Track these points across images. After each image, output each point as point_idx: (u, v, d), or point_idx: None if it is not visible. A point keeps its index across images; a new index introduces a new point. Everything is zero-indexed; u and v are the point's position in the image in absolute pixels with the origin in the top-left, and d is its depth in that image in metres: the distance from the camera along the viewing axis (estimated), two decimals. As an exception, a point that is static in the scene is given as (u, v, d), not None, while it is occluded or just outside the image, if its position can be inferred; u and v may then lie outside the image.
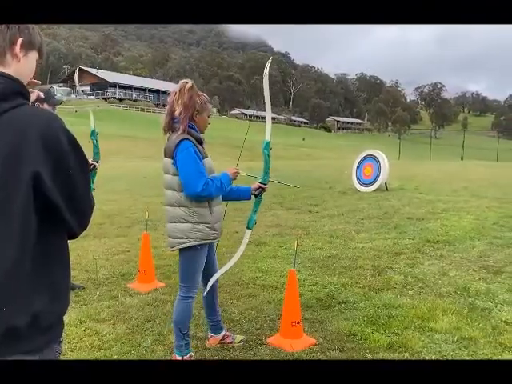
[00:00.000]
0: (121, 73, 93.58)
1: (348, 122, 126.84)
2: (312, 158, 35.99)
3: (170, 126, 2.72)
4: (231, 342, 3.13)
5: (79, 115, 43.17)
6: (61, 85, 79.57)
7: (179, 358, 2.83)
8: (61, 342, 1.26)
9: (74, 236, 1.24)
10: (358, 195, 10.49)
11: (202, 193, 2.59)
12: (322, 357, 2.93)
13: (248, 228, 3.01)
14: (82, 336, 3.24)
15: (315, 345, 3.11)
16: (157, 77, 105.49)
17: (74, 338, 3.19)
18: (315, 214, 8.20)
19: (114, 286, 4.35)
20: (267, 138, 2.85)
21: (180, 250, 2.76)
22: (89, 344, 3.11)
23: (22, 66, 1.19)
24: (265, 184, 2.95)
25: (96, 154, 4.19)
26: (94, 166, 4.08)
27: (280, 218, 7.68)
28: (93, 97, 73.31)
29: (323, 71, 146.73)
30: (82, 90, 77.37)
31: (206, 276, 2.97)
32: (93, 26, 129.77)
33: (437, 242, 5.89)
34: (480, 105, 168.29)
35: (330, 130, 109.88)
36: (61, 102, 4.10)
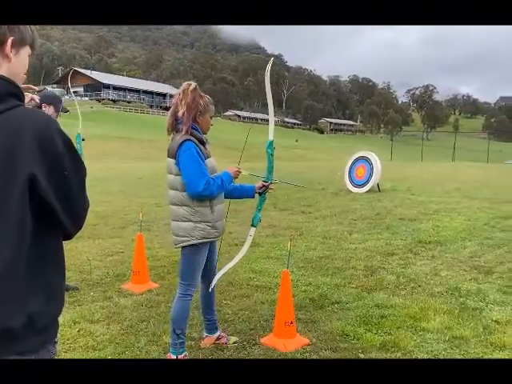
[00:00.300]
0: (115, 74, 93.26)
1: (341, 124, 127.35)
2: (305, 160, 36.06)
3: (174, 127, 2.77)
4: (226, 343, 3.15)
5: (72, 116, 42.74)
6: (54, 86, 79.07)
7: (174, 357, 2.84)
8: (55, 342, 1.26)
9: (68, 237, 1.24)
10: (351, 196, 10.54)
11: (203, 192, 2.64)
12: (315, 356, 2.95)
13: (253, 225, 3.06)
14: (76, 337, 3.23)
15: (308, 345, 3.13)
16: (151, 78, 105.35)
17: (68, 339, 3.18)
18: (308, 215, 8.23)
19: (108, 287, 4.34)
20: (270, 137, 2.89)
21: (182, 247, 2.81)
22: (83, 345, 3.11)
23: (15, 65, 1.18)
24: (268, 183, 2.99)
25: None
26: None
27: (273, 219, 7.71)
28: (86, 98, 72.98)
29: (316, 73, 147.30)
30: (76, 91, 77.03)
31: (205, 274, 3.00)
32: (87, 28, 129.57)
33: (428, 243, 5.95)
34: (471, 107, 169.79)
35: (322, 132, 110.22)
36: (67, 111, 4.09)
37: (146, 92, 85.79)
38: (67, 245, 4.59)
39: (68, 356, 2.94)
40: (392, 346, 3.07)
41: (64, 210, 1.14)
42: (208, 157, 2.80)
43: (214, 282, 3.04)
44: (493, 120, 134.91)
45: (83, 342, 3.16)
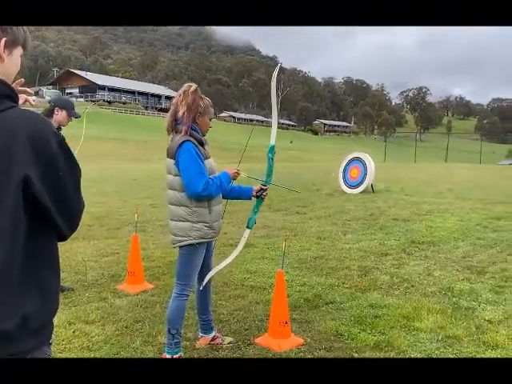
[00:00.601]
0: (110, 75, 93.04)
1: (335, 125, 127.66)
2: (300, 161, 36.11)
3: (173, 127, 2.79)
4: (221, 343, 3.16)
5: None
6: (50, 87, 78.68)
7: (169, 357, 2.85)
8: (50, 343, 1.26)
9: (63, 238, 1.24)
10: (345, 197, 10.58)
11: (202, 192, 2.66)
12: (309, 356, 2.97)
13: (248, 227, 3.08)
14: (72, 337, 3.23)
15: (303, 344, 3.14)
16: (146, 80, 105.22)
17: (63, 340, 3.18)
18: (303, 216, 8.26)
19: (103, 288, 4.33)
20: (272, 142, 2.91)
21: (179, 247, 2.83)
22: (78, 345, 3.11)
23: (8, 66, 1.17)
24: (266, 186, 3.02)
25: None
26: None
27: (268, 220, 7.72)
28: (82, 99, 72.77)
29: (310, 75, 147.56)
30: (71, 93, 76.86)
31: (201, 275, 3.02)
32: (82, 29, 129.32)
33: (422, 243, 5.99)
34: (464, 108, 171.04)
35: (317, 133, 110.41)
36: (78, 116, 4.11)
37: (141, 93, 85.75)
38: (62, 246, 4.59)
39: (63, 357, 2.93)
40: (386, 346, 3.08)
41: (59, 211, 1.14)
42: (207, 157, 2.82)
43: (205, 281, 3.05)
44: (485, 121, 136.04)
45: (78, 342, 3.16)
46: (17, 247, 1.07)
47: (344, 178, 11.67)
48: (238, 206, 8.36)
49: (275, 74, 2.86)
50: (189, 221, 2.76)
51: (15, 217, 1.05)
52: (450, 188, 12.16)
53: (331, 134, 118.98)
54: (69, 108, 4.05)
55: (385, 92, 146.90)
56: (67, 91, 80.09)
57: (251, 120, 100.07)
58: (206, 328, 3.18)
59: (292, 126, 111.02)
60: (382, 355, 2.95)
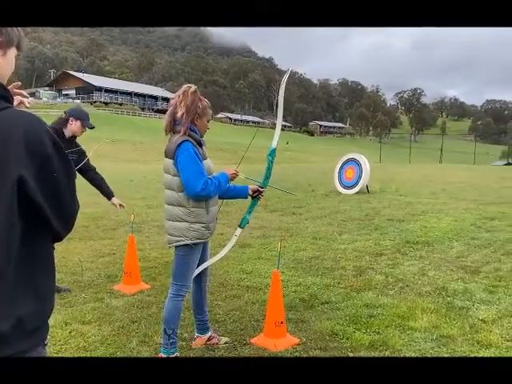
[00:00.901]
0: (107, 77, 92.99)
1: (330, 126, 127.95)
2: (296, 162, 36.18)
3: (172, 127, 2.79)
4: (217, 343, 3.17)
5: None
6: (46, 88, 78.45)
7: (165, 357, 2.86)
8: (45, 344, 1.25)
9: (59, 239, 1.23)
10: (340, 197, 10.61)
11: (201, 192, 2.66)
12: (305, 356, 2.97)
13: (240, 226, 3.10)
14: (68, 338, 3.23)
15: (298, 344, 3.14)
16: (142, 81, 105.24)
17: (59, 340, 3.17)
18: (299, 216, 8.28)
19: (99, 288, 4.33)
20: (273, 145, 2.93)
21: (175, 247, 2.83)
22: (74, 346, 3.11)
23: (2, 66, 1.17)
24: (263, 188, 3.03)
25: None
26: None
27: (264, 220, 7.74)
28: (78, 100, 72.67)
29: (306, 76, 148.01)
30: (68, 94, 76.78)
31: (198, 275, 3.04)
32: (79, 31, 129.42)
33: (416, 243, 6.02)
34: (458, 110, 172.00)
35: (312, 134, 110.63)
36: (93, 127, 4.14)
37: (137, 95, 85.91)
38: (58, 246, 4.59)
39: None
40: (380, 345, 3.09)
41: (53, 211, 1.13)
42: (205, 158, 2.83)
43: (196, 272, 3.04)
44: (479, 123, 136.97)
45: (75, 343, 3.16)
46: (12, 248, 1.06)
47: (339, 178, 11.72)
48: (233, 206, 8.37)
49: (284, 79, 2.88)
50: (186, 221, 2.76)
51: (10, 217, 1.05)
52: (445, 188, 12.23)
53: (327, 135, 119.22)
54: (83, 119, 4.08)
55: (380, 93, 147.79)
56: (64, 92, 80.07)
57: (247, 121, 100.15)
58: (202, 328, 3.18)
59: (288, 127, 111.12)
60: (376, 354, 2.96)
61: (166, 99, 75.41)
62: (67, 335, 3.28)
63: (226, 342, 3.19)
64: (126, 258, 4.54)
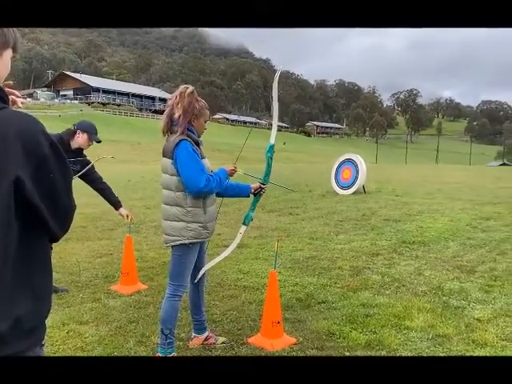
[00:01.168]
0: (104, 77, 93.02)
1: (327, 127, 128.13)
2: (292, 162, 36.22)
3: (169, 128, 2.80)
4: (214, 343, 3.17)
5: (63, 119, 42.70)
6: (44, 89, 78.33)
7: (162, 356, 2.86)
8: (43, 345, 1.25)
9: (55, 239, 1.23)
10: (337, 198, 10.63)
11: (204, 188, 2.68)
12: (302, 355, 2.98)
13: (244, 224, 3.12)
14: (65, 338, 3.23)
15: (295, 344, 3.16)
16: (140, 82, 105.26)
17: (56, 341, 3.18)
18: (295, 217, 8.30)
19: (97, 289, 4.34)
20: (271, 141, 2.95)
21: (172, 247, 2.84)
22: (72, 346, 3.11)
23: None
24: (264, 184, 3.05)
25: None
26: None
27: (261, 221, 7.75)
28: (76, 101, 72.58)
29: (303, 77, 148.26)
30: (65, 95, 76.76)
31: (194, 275, 3.05)
32: (77, 32, 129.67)
33: (412, 243, 6.04)
34: (454, 110, 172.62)
35: (309, 135, 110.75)
36: (99, 141, 4.17)
37: (135, 95, 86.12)
38: (56, 247, 4.59)
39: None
40: (377, 345, 3.10)
41: (50, 212, 1.13)
42: (203, 157, 2.85)
43: (199, 275, 3.07)
44: (475, 123, 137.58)
45: (72, 343, 3.16)
46: (9, 249, 1.06)
47: (336, 179, 11.75)
48: (231, 206, 8.39)
49: (277, 75, 2.90)
50: (183, 221, 2.77)
51: (7, 218, 1.04)
52: (440, 189, 12.26)
53: (323, 135, 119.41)
54: (91, 132, 4.11)
55: (376, 94, 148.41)
56: (62, 93, 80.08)
57: (244, 122, 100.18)
58: (199, 328, 3.19)
59: (285, 127, 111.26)
60: (373, 354, 2.97)
61: (164, 100, 75.43)
62: (65, 335, 3.28)
63: (223, 342, 3.20)
64: (123, 259, 4.54)
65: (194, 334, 3.22)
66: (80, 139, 4.08)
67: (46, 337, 1.28)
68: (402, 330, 3.34)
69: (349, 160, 11.69)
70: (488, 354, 2.95)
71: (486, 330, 3.29)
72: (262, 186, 3.06)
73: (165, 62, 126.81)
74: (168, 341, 2.87)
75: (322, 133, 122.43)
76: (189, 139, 2.75)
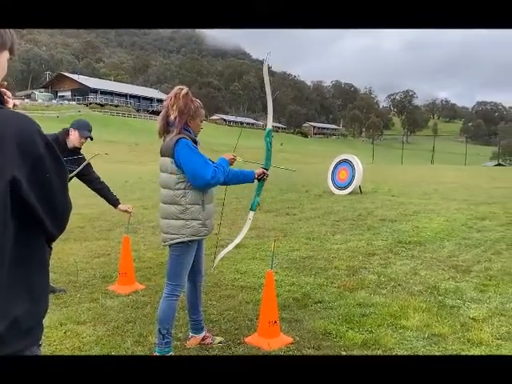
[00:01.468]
0: (102, 79, 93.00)
1: (324, 128, 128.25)
2: (289, 162, 36.24)
3: (165, 129, 2.82)
4: (211, 343, 3.18)
5: (61, 120, 42.60)
6: (42, 90, 78.18)
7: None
8: (40, 345, 1.25)
9: (52, 239, 1.23)
10: (334, 198, 10.66)
11: (211, 180, 2.69)
12: (298, 355, 2.99)
13: (251, 209, 3.17)
14: (63, 338, 3.24)
15: (292, 343, 3.16)
16: (138, 83, 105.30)
17: (54, 341, 3.18)
18: (292, 217, 8.32)
19: (94, 289, 4.34)
20: (269, 126, 2.98)
21: (170, 246, 2.84)
22: (69, 346, 3.12)
23: None
24: (267, 169, 3.09)
25: None
26: None
27: (258, 221, 7.76)
28: (74, 102, 72.46)
29: (300, 78, 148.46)
30: (63, 96, 76.68)
31: (192, 275, 3.05)
32: (74, 33, 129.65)
33: (408, 243, 6.07)
34: (449, 111, 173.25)
35: (306, 136, 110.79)
36: (89, 137, 4.17)
37: (132, 96, 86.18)
38: (54, 247, 4.59)
39: (54, 357, 2.95)
40: (373, 344, 3.11)
41: (46, 211, 1.13)
42: None
43: (215, 263, 3.09)
44: (470, 124, 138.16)
45: (70, 343, 3.16)
46: (5, 249, 1.06)
47: (333, 179, 11.78)
48: (227, 207, 8.39)
49: (266, 59, 2.94)
50: (182, 219, 2.78)
51: (3, 218, 1.04)
52: (436, 189, 12.32)
53: (320, 136, 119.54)
54: (81, 129, 4.09)
55: (372, 95, 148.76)
56: (59, 94, 79.98)
57: (241, 123, 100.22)
58: (197, 328, 3.20)
59: (282, 128, 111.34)
60: (369, 353, 2.98)
61: (161, 101, 75.41)
62: (62, 335, 3.28)
63: (220, 342, 3.21)
64: (120, 259, 4.54)
65: (191, 334, 3.23)
66: (72, 136, 4.09)
67: (43, 337, 1.28)
68: (397, 330, 3.36)
69: (345, 161, 11.73)
70: (483, 353, 2.96)
71: (481, 329, 3.30)
72: (265, 171, 3.09)
73: (162, 63, 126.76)
74: (165, 340, 2.88)
75: (319, 133, 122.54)
76: (187, 137, 2.77)
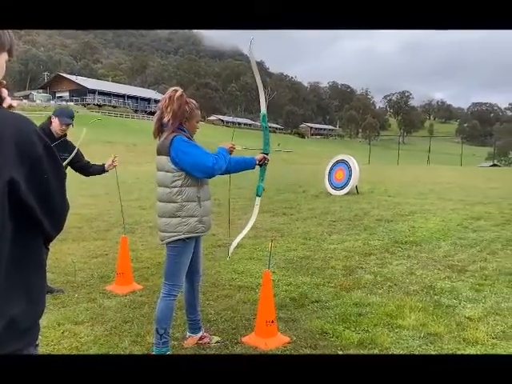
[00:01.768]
0: (100, 79, 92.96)
1: (321, 129, 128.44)
2: (286, 163, 36.26)
3: (160, 131, 2.84)
4: (208, 343, 3.19)
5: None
6: (40, 91, 78.02)
7: (158, 356, 2.89)
8: (37, 345, 1.25)
9: (49, 239, 1.23)
10: (330, 198, 10.69)
11: (214, 166, 2.71)
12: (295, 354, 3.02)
13: (257, 195, 3.23)
14: (60, 338, 3.24)
15: (289, 343, 3.18)
16: (135, 84, 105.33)
17: (52, 340, 3.18)
18: (289, 217, 8.34)
19: (92, 289, 4.35)
20: (263, 109, 3.01)
21: (168, 245, 2.85)
22: (67, 346, 3.12)
23: None
24: (267, 154, 3.12)
25: None
26: None
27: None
28: (72, 103, 72.31)
29: (297, 79, 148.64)
30: (61, 96, 76.57)
31: (190, 275, 3.06)
32: (72, 34, 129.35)
33: (404, 243, 6.10)
34: (445, 112, 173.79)
35: (303, 136, 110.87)
36: (70, 124, 4.15)
37: (130, 97, 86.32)
38: (52, 247, 4.58)
39: (52, 357, 2.95)
40: (369, 343, 3.13)
41: (44, 212, 1.13)
42: None
43: (230, 251, 3.19)
44: (466, 125, 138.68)
45: (67, 343, 3.17)
46: (3, 250, 1.05)
47: (329, 179, 11.82)
48: (224, 207, 8.40)
49: (251, 43, 2.98)
50: (178, 216, 2.79)
51: (0, 217, 1.03)
52: (432, 189, 12.37)
53: (317, 137, 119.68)
54: (61, 116, 4.08)
55: (369, 96, 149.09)
56: (58, 95, 79.86)
57: (239, 123, 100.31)
58: (194, 328, 3.21)
59: (279, 129, 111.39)
60: (365, 352, 2.99)
61: (159, 101, 75.84)
62: (60, 335, 3.29)
63: (217, 342, 3.22)
64: (118, 259, 4.55)
65: (188, 334, 3.24)
66: (54, 124, 4.10)
67: (40, 337, 1.28)
68: (394, 329, 3.38)
69: (342, 161, 11.77)
70: (478, 352, 2.98)
71: (476, 329, 3.33)
72: (265, 156, 3.11)
73: (160, 64, 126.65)
74: (163, 340, 2.89)
75: (316, 134, 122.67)
76: (182, 135, 2.79)
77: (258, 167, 3.20)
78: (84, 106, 73.17)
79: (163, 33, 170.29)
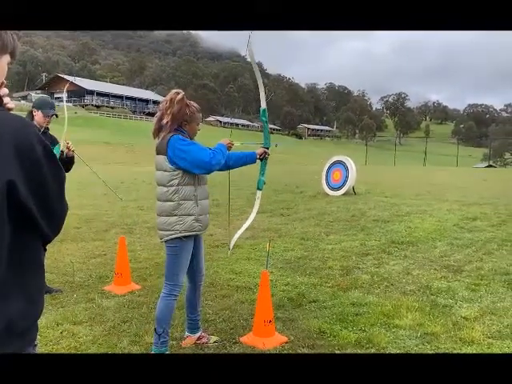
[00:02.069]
0: (98, 80, 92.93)
1: (318, 130, 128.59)
2: (284, 164, 36.29)
3: (160, 131, 2.87)
4: (206, 343, 3.21)
5: (56, 121, 42.34)
6: (38, 92, 77.85)
7: (156, 356, 2.90)
8: (35, 345, 1.26)
9: (48, 241, 1.24)
10: (328, 199, 10.71)
11: (211, 162, 2.75)
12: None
13: (258, 189, 3.26)
14: (59, 338, 3.25)
15: (287, 342, 3.20)
16: (134, 85, 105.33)
17: (50, 340, 3.19)
18: (287, 217, 8.35)
19: (90, 289, 4.35)
20: (263, 105, 3.04)
21: (166, 243, 2.88)
22: (65, 346, 3.13)
23: None
24: (267, 148, 3.15)
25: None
26: None
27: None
28: (70, 104, 72.13)
29: (294, 81, 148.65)
30: (59, 97, 76.37)
31: (192, 274, 3.08)
32: (71, 35, 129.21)
33: (401, 243, 6.12)
34: (441, 113, 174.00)
35: (301, 137, 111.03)
36: (54, 115, 4.01)
37: (128, 98, 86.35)
38: (50, 248, 4.58)
39: (51, 357, 2.95)
40: (366, 343, 3.15)
41: (43, 215, 1.13)
42: None
43: (231, 246, 3.22)
44: (462, 126, 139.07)
45: (66, 343, 3.18)
46: (1, 251, 1.05)
47: (326, 180, 11.85)
48: (223, 208, 8.41)
49: (249, 41, 3.00)
50: (175, 215, 2.82)
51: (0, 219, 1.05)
52: (429, 190, 12.40)
53: (314, 137, 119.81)
54: (43, 108, 3.93)
55: (366, 98, 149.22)
56: (56, 96, 79.62)
57: (237, 124, 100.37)
58: (193, 327, 3.22)
59: (276, 130, 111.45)
60: (362, 352, 3.01)
61: (157, 102, 75.77)
62: (58, 335, 3.29)
63: (215, 341, 3.23)
64: (117, 259, 4.55)
65: (186, 334, 3.25)
66: (37, 117, 3.93)
67: (38, 337, 1.29)
68: (391, 329, 3.40)
69: (339, 162, 11.80)
70: (475, 351, 3.00)
71: (472, 328, 3.35)
72: (266, 150, 3.15)
73: (158, 65, 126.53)
74: (162, 340, 2.90)
75: (313, 135, 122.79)
76: (180, 134, 2.83)
77: (258, 161, 3.24)
78: (82, 106, 73.17)
79: (161, 34, 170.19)
